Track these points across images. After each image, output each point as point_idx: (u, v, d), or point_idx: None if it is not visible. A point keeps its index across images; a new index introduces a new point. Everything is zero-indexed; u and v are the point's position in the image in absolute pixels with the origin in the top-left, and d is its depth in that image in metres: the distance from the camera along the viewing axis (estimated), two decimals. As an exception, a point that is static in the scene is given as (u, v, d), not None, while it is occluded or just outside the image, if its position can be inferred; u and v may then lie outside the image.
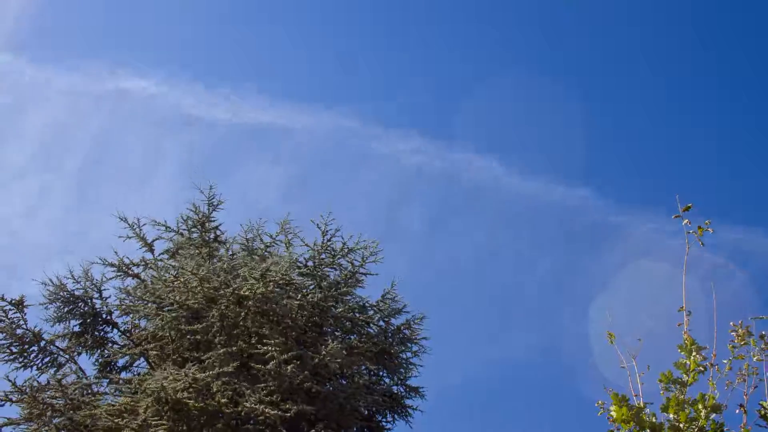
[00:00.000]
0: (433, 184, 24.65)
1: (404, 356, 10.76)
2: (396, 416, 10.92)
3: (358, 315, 10.39)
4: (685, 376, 4.73)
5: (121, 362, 10.36)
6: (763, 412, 4.64)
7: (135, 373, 10.26)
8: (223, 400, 8.24)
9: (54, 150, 24.10)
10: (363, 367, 10.44)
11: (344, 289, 10.05)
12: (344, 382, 10.01)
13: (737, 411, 4.68)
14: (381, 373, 10.87)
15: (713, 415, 4.66)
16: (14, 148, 23.77)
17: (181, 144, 24.71)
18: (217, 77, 26.37)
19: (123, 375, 10.31)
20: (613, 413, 4.73)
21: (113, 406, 8.04)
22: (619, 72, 25.03)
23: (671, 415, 4.65)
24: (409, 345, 10.88)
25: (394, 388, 10.89)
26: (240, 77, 26.42)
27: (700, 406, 4.65)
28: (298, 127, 23.39)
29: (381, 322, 10.78)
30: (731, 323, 4.94)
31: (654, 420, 4.80)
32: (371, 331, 10.62)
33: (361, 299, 10.70)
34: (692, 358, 4.74)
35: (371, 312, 10.81)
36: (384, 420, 10.92)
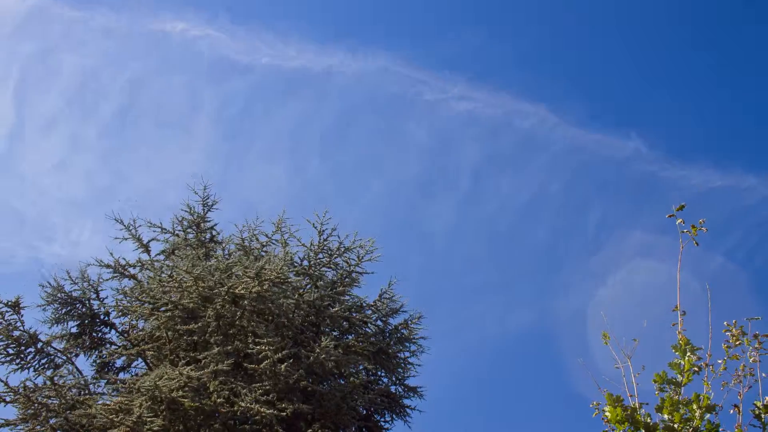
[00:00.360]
0: (481, 132, 23.73)
1: (402, 356, 10.76)
2: (394, 416, 10.92)
3: (355, 314, 10.37)
4: (679, 376, 4.71)
5: (118, 363, 10.37)
6: (756, 412, 4.62)
7: (133, 373, 10.27)
8: (219, 400, 8.22)
9: (88, 96, 23.34)
10: (361, 367, 10.44)
11: (340, 288, 10.02)
12: (343, 382, 9.99)
13: (731, 411, 4.66)
14: (379, 373, 10.85)
15: (708, 416, 4.64)
16: (47, 95, 23.21)
17: (221, 90, 23.89)
18: (259, 21, 24.88)
19: (121, 375, 10.32)
20: (607, 414, 4.71)
21: (108, 405, 8.02)
22: (671, 18, 23.59)
23: (666, 416, 4.63)
24: (407, 345, 10.86)
25: (393, 387, 10.89)
26: (282, 20, 25.30)
27: (694, 407, 4.64)
28: (342, 71, 22.62)
29: (379, 322, 10.77)
30: (725, 323, 4.92)
31: (649, 420, 4.79)
32: (369, 330, 10.60)
33: (358, 299, 10.69)
34: (686, 358, 4.72)
35: (369, 311, 10.80)
36: (382, 420, 10.92)
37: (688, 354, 4.71)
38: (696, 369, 4.83)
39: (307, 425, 8.84)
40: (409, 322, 10.83)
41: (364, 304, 10.67)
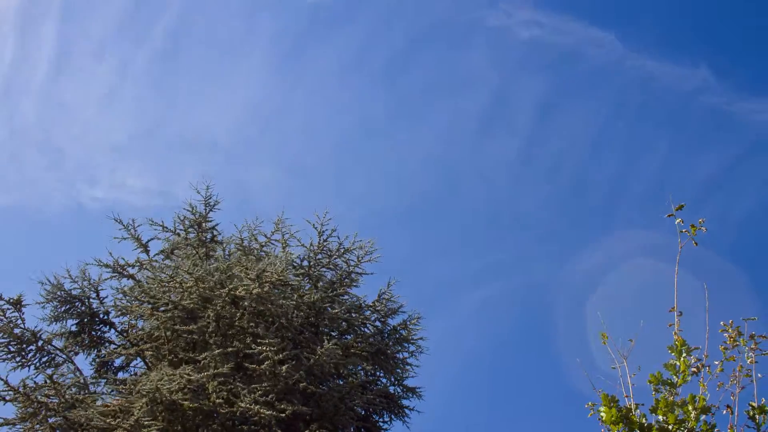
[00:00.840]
0: (546, 61, 22.78)
1: (401, 356, 10.78)
2: (393, 416, 10.93)
3: (354, 315, 10.39)
4: (675, 377, 4.72)
5: (118, 362, 10.39)
6: (751, 413, 4.63)
7: (132, 372, 10.29)
8: (218, 401, 8.24)
9: (137, 23, 22.12)
10: (359, 368, 10.46)
11: (340, 289, 10.04)
12: (341, 383, 10.01)
13: (724, 412, 4.67)
14: (378, 373, 10.87)
15: (704, 417, 4.65)
16: (97, 19, 21.88)
17: (276, 17, 22.72)
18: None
19: (120, 375, 10.34)
20: (602, 414, 4.72)
21: (107, 406, 8.05)
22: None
23: (660, 417, 4.64)
24: (405, 345, 10.88)
25: (391, 388, 10.90)
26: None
27: (690, 408, 4.65)
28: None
29: (377, 323, 10.79)
30: (722, 323, 4.94)
31: (644, 421, 4.80)
32: (367, 331, 10.62)
33: (357, 299, 10.72)
34: (682, 359, 4.73)
35: (368, 312, 10.82)
36: (381, 420, 10.94)
37: (684, 355, 4.72)
38: (694, 370, 4.84)
39: (306, 426, 8.87)
40: (408, 323, 10.86)
41: (363, 305, 10.69)
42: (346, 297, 10.79)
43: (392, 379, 10.87)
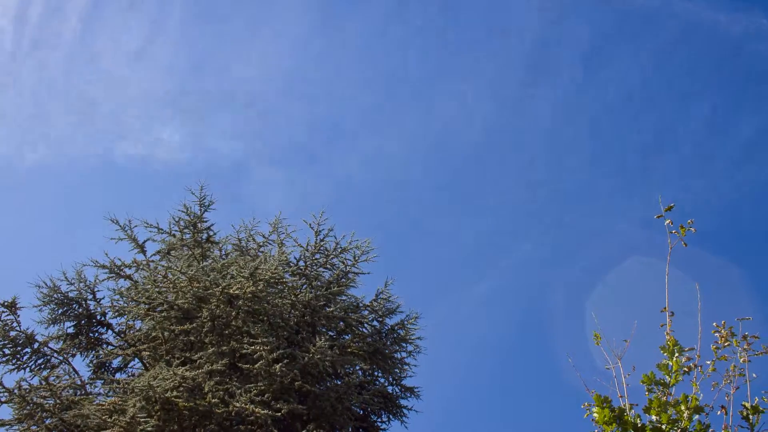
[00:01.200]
0: (590, 6, 21.90)
1: (399, 356, 10.76)
2: (391, 416, 10.93)
3: (351, 315, 10.37)
4: (667, 377, 4.70)
5: (116, 363, 10.39)
6: (745, 413, 4.61)
7: (129, 373, 10.29)
8: (214, 400, 8.23)
9: None
10: (357, 367, 10.45)
11: (335, 288, 10.03)
12: (339, 383, 10.00)
13: (719, 413, 4.65)
14: (376, 373, 10.86)
15: (697, 416, 4.63)
16: None
17: None
18: None
19: (118, 376, 10.34)
20: (595, 415, 4.70)
21: (102, 405, 8.04)
22: None
23: (654, 417, 4.62)
24: (403, 345, 10.87)
25: (390, 388, 10.89)
26: None
27: (683, 407, 4.63)
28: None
29: (375, 322, 10.77)
30: (714, 324, 4.91)
31: (638, 421, 4.78)
32: (365, 330, 10.61)
33: (354, 299, 10.71)
34: (675, 359, 4.71)
35: (366, 312, 10.81)
36: (379, 420, 10.93)
37: (677, 355, 4.70)
38: (686, 369, 4.82)
39: (303, 426, 8.86)
40: (406, 323, 10.85)
41: (361, 304, 10.68)
42: (343, 297, 10.79)
43: (390, 379, 10.87)
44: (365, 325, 10.69)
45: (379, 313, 10.78)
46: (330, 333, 10.44)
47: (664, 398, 4.64)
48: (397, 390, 10.91)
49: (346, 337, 10.44)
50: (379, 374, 10.84)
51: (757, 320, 5.15)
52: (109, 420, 7.47)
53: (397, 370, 10.80)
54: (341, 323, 10.39)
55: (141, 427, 7.58)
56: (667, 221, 5.01)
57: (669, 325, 4.85)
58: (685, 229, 4.90)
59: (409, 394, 10.90)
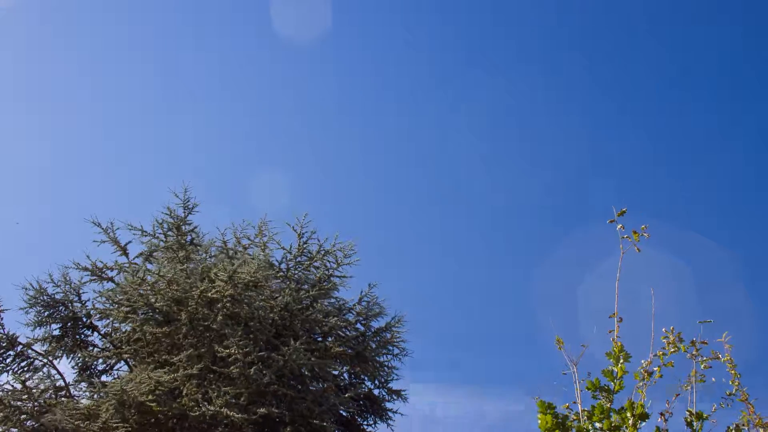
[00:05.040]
0: None
1: (383, 359, 10.73)
2: (377, 419, 10.91)
3: (334, 318, 10.35)
4: (612, 383, 4.63)
5: (102, 366, 10.45)
6: (688, 420, 4.54)
7: (115, 376, 10.35)
8: (190, 404, 8.26)
9: None
10: (344, 369, 10.44)
11: (316, 291, 10.02)
12: (322, 386, 10.00)
13: (659, 420, 4.58)
14: (363, 376, 10.85)
15: (643, 423, 4.57)
16: None
17: None
18: None
19: (104, 378, 10.41)
20: (538, 421, 4.65)
21: (78, 410, 8.10)
22: None
23: (597, 424, 4.56)
24: (389, 348, 10.84)
25: (376, 391, 10.87)
26: None
27: (628, 414, 4.56)
28: None
29: (359, 325, 10.75)
30: (663, 329, 4.83)
31: (589, 427, 4.72)
32: (349, 333, 10.59)
33: (338, 302, 10.68)
34: (620, 365, 4.64)
35: (351, 315, 10.79)
36: (365, 423, 10.92)
37: (621, 361, 4.63)
38: (645, 375, 4.75)
39: (283, 428, 8.87)
40: (392, 326, 10.81)
41: (344, 307, 10.66)
42: (332, 299, 10.77)
43: (376, 382, 10.85)
44: (349, 328, 10.67)
45: (364, 316, 10.76)
46: (314, 336, 10.43)
47: (608, 404, 4.57)
48: (384, 393, 10.91)
49: (329, 340, 10.42)
50: (366, 377, 10.83)
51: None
52: (81, 425, 7.51)
53: (382, 373, 10.79)
54: (325, 326, 10.37)
55: None
56: (619, 226, 4.94)
57: (616, 331, 4.78)
58: (638, 234, 4.82)
59: (395, 397, 10.89)
